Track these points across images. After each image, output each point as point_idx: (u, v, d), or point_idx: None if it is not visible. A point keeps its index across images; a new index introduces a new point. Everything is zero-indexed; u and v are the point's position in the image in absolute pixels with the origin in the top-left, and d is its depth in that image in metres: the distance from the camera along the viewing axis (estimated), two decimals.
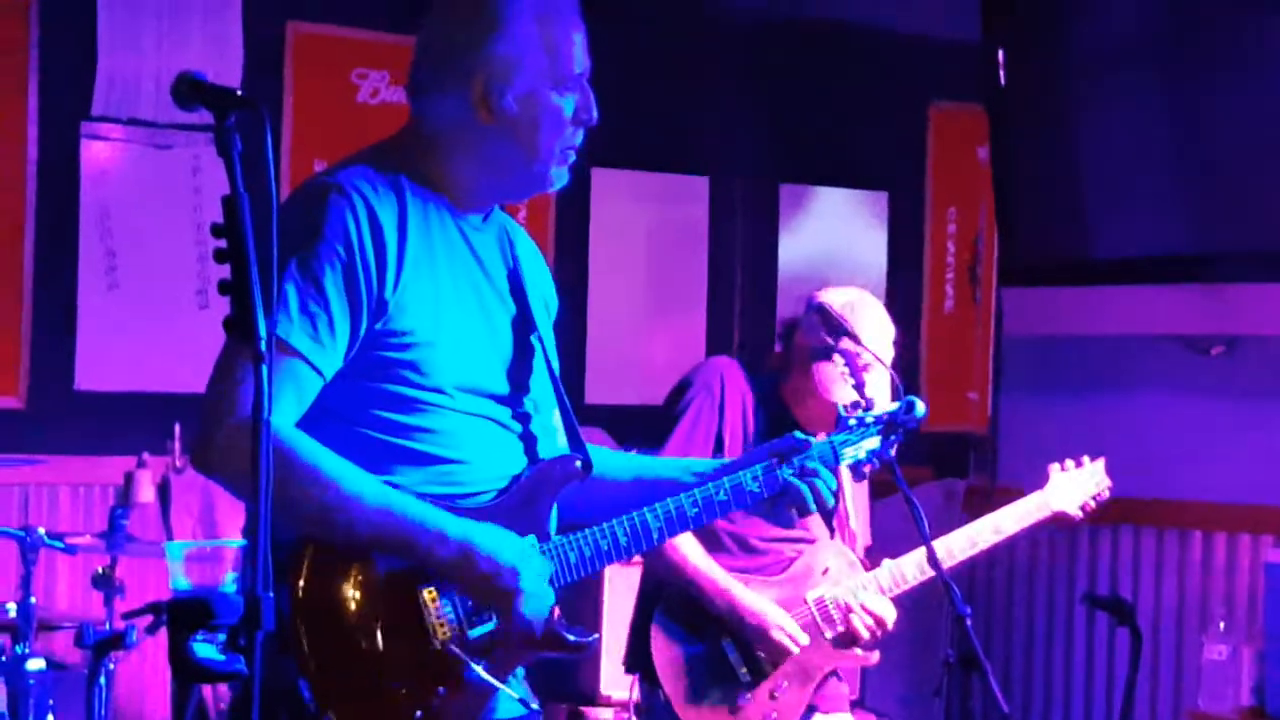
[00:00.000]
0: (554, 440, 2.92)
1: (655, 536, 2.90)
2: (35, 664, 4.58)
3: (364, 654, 2.64)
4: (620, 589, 5.55)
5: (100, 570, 4.72)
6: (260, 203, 2.45)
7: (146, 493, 5.31)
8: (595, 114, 2.85)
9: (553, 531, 2.84)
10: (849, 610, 4.18)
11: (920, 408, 3.36)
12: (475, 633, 2.71)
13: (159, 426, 5.46)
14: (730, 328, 6.68)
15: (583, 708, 5.60)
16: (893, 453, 3.34)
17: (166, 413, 5.50)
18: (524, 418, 2.86)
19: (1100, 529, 6.04)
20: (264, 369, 2.36)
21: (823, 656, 4.19)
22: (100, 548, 4.69)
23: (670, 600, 4.15)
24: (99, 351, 5.52)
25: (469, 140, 2.80)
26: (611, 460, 3.04)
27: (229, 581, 2.63)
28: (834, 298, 4.23)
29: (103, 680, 4.36)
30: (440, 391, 2.72)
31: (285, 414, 2.61)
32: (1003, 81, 6.11)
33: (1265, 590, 5.20)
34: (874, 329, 4.19)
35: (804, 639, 4.11)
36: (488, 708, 2.78)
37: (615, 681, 5.53)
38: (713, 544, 4.18)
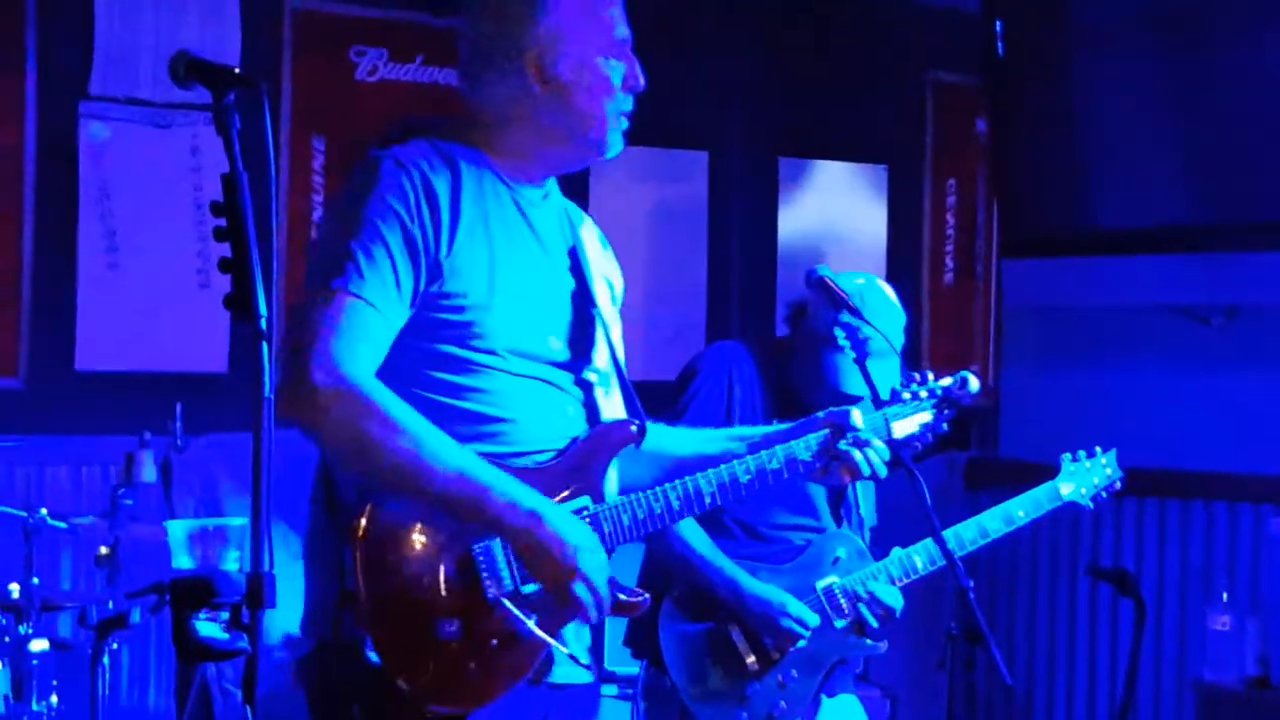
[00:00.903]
0: (614, 410, 3.00)
1: (708, 500, 3.00)
2: (39, 644, 4.59)
3: (422, 608, 2.70)
4: (622, 570, 5.55)
5: (103, 550, 4.72)
6: (259, 181, 2.47)
7: (148, 472, 5.30)
8: (642, 80, 2.95)
9: (608, 494, 2.91)
10: (858, 599, 4.17)
11: (974, 383, 3.38)
12: (527, 589, 2.78)
13: (160, 406, 5.45)
14: (730, 301, 6.67)
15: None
16: (945, 427, 3.35)
17: (168, 392, 5.50)
18: (585, 385, 2.94)
19: (1103, 500, 6.04)
20: (264, 347, 2.39)
21: (831, 645, 4.19)
22: (102, 528, 4.70)
23: (679, 587, 4.15)
24: (99, 331, 5.51)
25: (527, 113, 2.88)
26: (670, 435, 3.12)
27: (231, 560, 2.62)
28: (844, 282, 4.21)
29: (106, 660, 4.37)
30: (492, 353, 2.80)
31: (363, 364, 2.71)
32: (1002, 53, 6.10)
33: (1268, 560, 5.21)
34: (884, 314, 4.17)
35: (814, 623, 4.10)
36: (544, 668, 2.82)
37: (618, 657, 5.53)
38: (720, 531, 4.17)
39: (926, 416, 3.33)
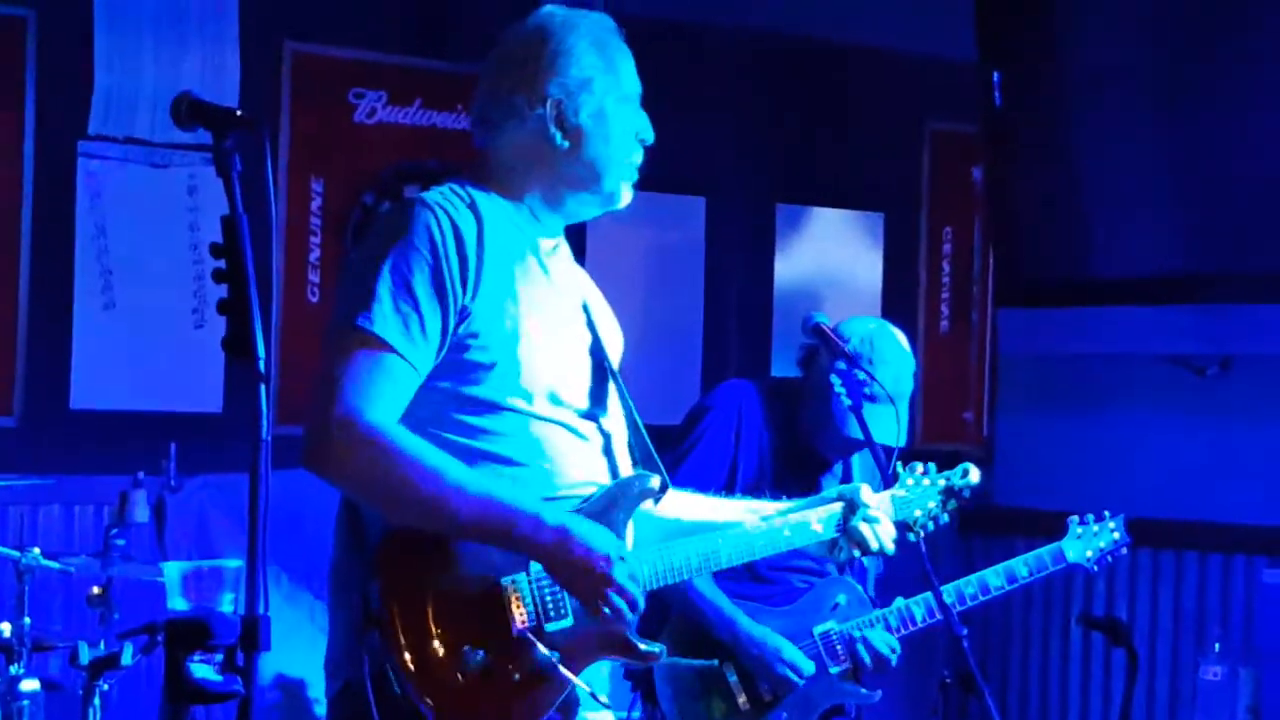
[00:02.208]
0: (629, 461, 3.04)
1: (724, 563, 3.08)
2: (30, 684, 4.56)
3: (448, 640, 2.72)
4: None
5: (95, 590, 4.70)
6: (258, 222, 2.48)
7: (142, 512, 5.29)
8: (652, 133, 3.05)
9: (629, 545, 2.93)
10: (854, 647, 4.17)
11: (975, 474, 3.44)
12: (552, 627, 2.80)
13: (155, 446, 5.45)
14: (726, 348, 6.68)
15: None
16: (947, 518, 3.42)
17: (162, 432, 5.49)
18: (605, 435, 2.98)
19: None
20: (262, 389, 2.40)
21: (825, 691, 4.18)
22: (95, 567, 4.68)
23: (675, 623, 4.14)
24: (95, 370, 5.51)
25: (547, 161, 2.95)
26: (679, 500, 3.15)
27: (226, 602, 2.62)
28: (855, 326, 4.22)
29: (97, 701, 4.35)
30: (518, 396, 2.84)
31: (385, 410, 2.74)
32: (999, 103, 6.12)
33: (1260, 610, 5.20)
34: (892, 360, 4.18)
35: (808, 670, 4.10)
36: (568, 708, 2.84)
37: (615, 699, 5.52)
38: (723, 571, 4.17)
39: (931, 505, 3.38)
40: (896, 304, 6.91)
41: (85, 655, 4.41)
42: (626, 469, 3.01)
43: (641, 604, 2.84)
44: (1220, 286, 5.71)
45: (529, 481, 2.83)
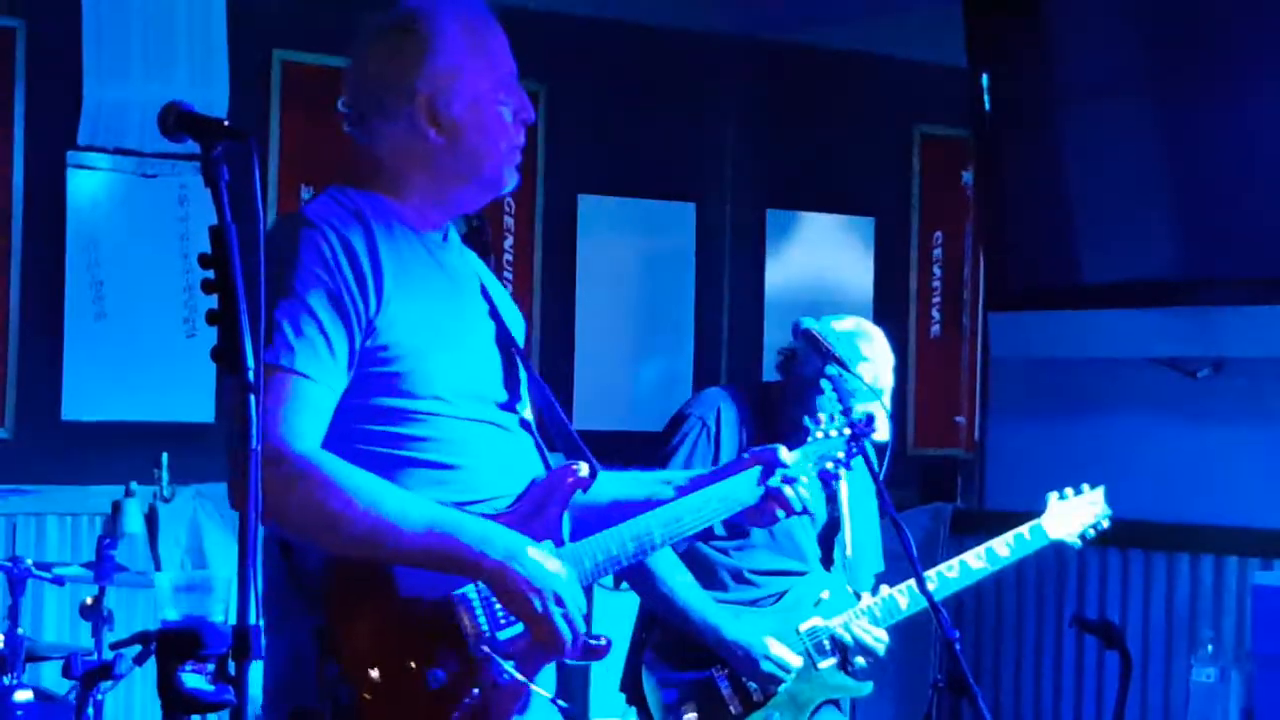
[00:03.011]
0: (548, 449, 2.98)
1: (658, 542, 2.98)
2: (23, 695, 4.56)
3: (402, 662, 2.67)
4: (609, 612, 5.55)
5: (88, 600, 4.70)
6: (247, 233, 2.47)
7: (134, 522, 5.30)
8: (532, 112, 2.91)
9: (566, 538, 2.88)
10: (841, 640, 4.18)
11: (880, 421, 3.40)
12: (504, 635, 2.75)
13: (147, 456, 5.45)
14: (718, 353, 6.69)
15: None
16: (850, 466, 3.38)
17: (154, 442, 5.50)
18: (527, 426, 2.91)
19: (1089, 551, 6.04)
20: (252, 399, 2.38)
21: (815, 687, 4.19)
22: (88, 578, 4.68)
23: (662, 633, 4.15)
24: (86, 381, 5.51)
25: (423, 157, 2.84)
26: (601, 485, 3.04)
27: (218, 611, 2.61)
28: (834, 326, 4.23)
29: (90, 711, 4.35)
30: (438, 399, 2.77)
31: (311, 439, 2.66)
32: (989, 107, 6.13)
33: (1253, 613, 5.21)
34: (874, 357, 4.19)
35: (796, 664, 4.11)
36: (523, 710, 2.80)
37: (604, 706, 5.53)
38: (709, 579, 4.18)
39: (839, 453, 3.34)
40: (888, 308, 6.92)
41: (78, 666, 4.41)
42: (549, 458, 2.95)
43: (582, 627, 2.77)
44: (1211, 290, 5.71)
45: (459, 484, 2.77)
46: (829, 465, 3.31)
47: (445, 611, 2.72)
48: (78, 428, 5.51)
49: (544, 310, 6.31)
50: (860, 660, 4.18)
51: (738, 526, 4.19)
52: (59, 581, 4.69)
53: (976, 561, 4.33)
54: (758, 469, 3.12)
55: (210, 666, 2.43)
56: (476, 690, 2.73)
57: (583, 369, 6.37)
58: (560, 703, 2.87)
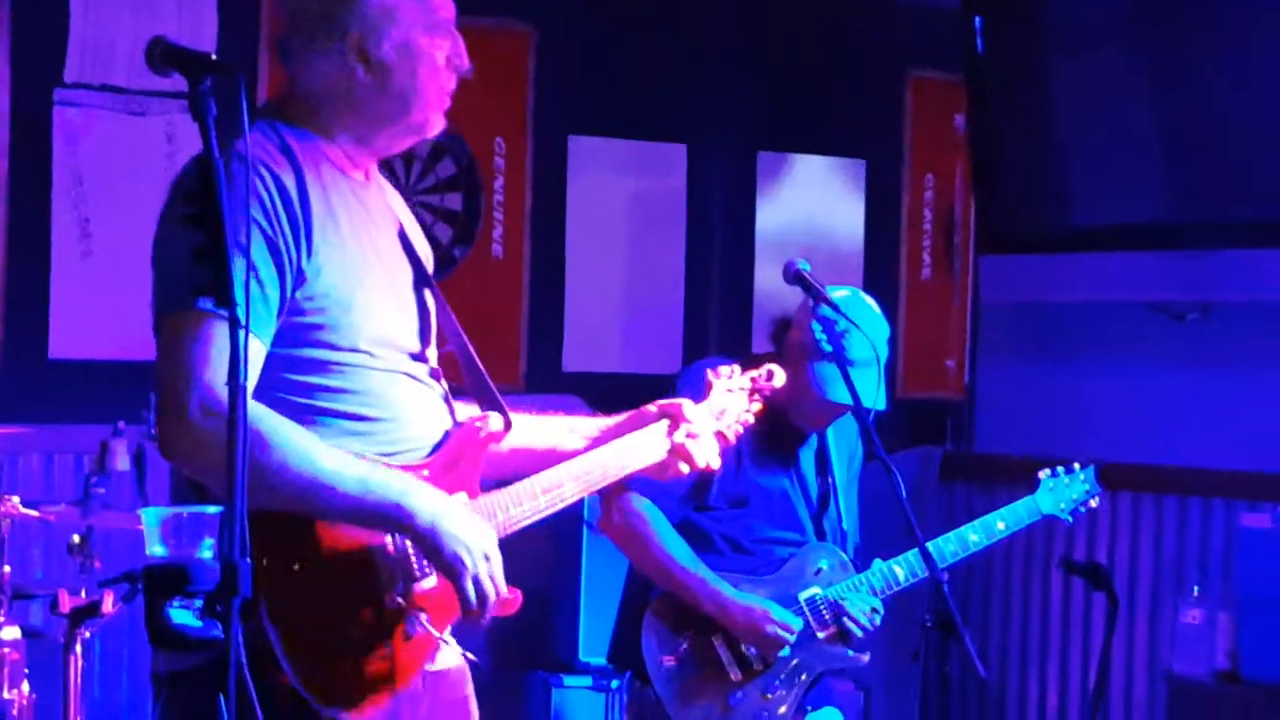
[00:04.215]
0: (469, 402, 2.99)
1: (569, 496, 2.98)
2: (10, 632, 4.57)
3: (319, 611, 2.68)
4: (599, 561, 5.56)
5: (75, 539, 4.70)
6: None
7: (122, 461, 5.28)
8: (466, 59, 2.88)
9: (479, 489, 2.90)
10: (840, 610, 4.18)
11: (780, 376, 3.40)
12: (420, 587, 2.78)
13: (134, 394, 5.41)
14: (708, 295, 6.67)
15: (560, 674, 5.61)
16: (751, 418, 3.37)
17: (142, 380, 5.42)
18: (436, 375, 2.92)
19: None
20: (240, 335, 2.37)
21: (813, 656, 4.19)
22: (75, 516, 4.68)
23: (660, 600, 4.15)
24: (73, 320, 5.49)
25: (350, 95, 2.82)
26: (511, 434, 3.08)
27: (206, 548, 2.60)
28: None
29: (78, 649, 4.35)
30: (360, 351, 2.76)
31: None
32: (981, 49, 6.11)
33: (1239, 555, 5.22)
34: (867, 326, 4.18)
35: (797, 627, 4.11)
36: (432, 660, 2.83)
37: (594, 648, 5.54)
38: (705, 546, 4.18)
39: (739, 407, 3.33)
40: (878, 251, 6.91)
41: (66, 603, 4.41)
42: (461, 408, 2.96)
43: (504, 586, 2.80)
44: (1201, 233, 5.71)
45: (377, 436, 2.77)
46: (730, 421, 3.30)
47: (362, 563, 2.72)
48: (65, 366, 5.49)
49: (534, 252, 6.29)
50: (858, 631, 4.19)
51: (734, 494, 4.20)
52: (46, 520, 4.69)
53: (973, 535, 4.37)
54: (665, 422, 3.13)
55: (198, 603, 2.42)
56: (391, 640, 2.74)
57: (573, 311, 6.36)
58: (468, 655, 2.91)
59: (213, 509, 2.60)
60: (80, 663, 4.27)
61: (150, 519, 2.61)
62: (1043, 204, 6.11)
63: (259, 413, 2.60)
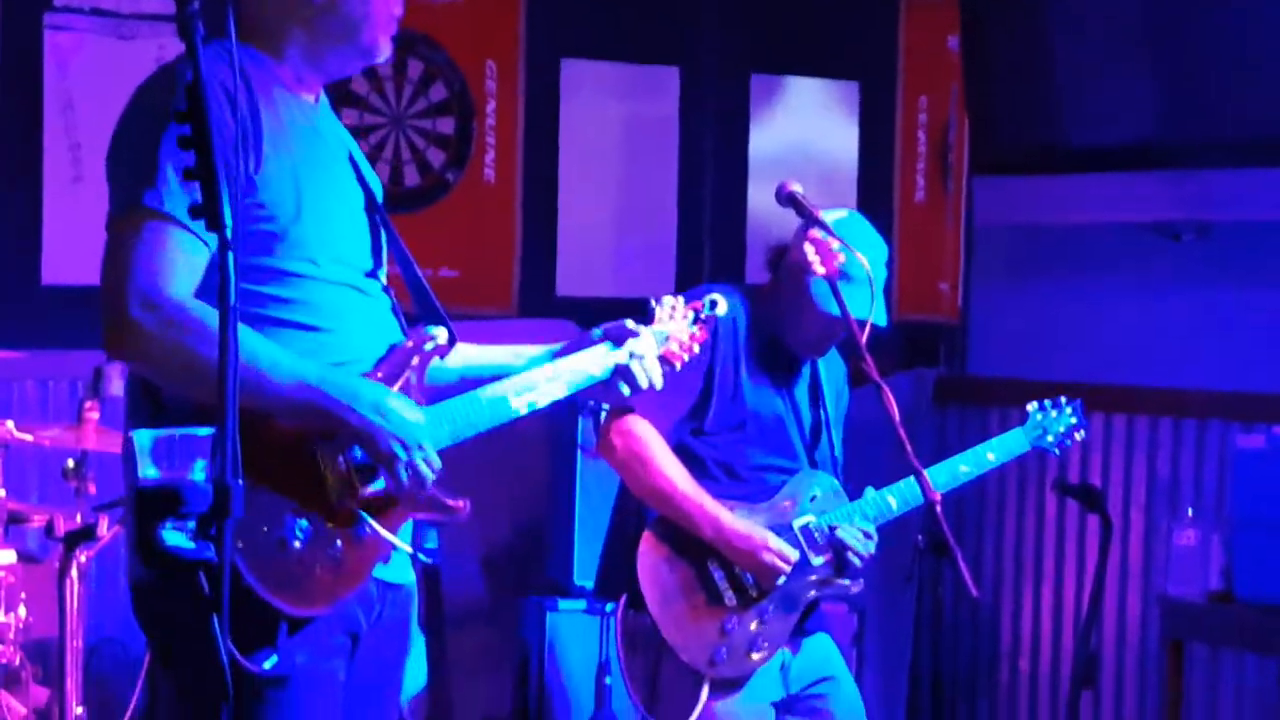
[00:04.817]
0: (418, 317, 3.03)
1: (513, 408, 3.02)
2: (6, 556, 4.58)
3: (267, 514, 2.70)
4: (593, 486, 5.57)
5: (70, 463, 4.71)
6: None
7: (116, 386, 5.27)
8: None
9: (420, 403, 2.91)
10: (835, 538, 4.18)
11: (723, 306, 3.41)
12: (368, 490, 2.81)
13: None
14: (701, 219, 6.65)
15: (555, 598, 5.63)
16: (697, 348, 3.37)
17: None
18: (388, 291, 2.98)
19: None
20: (230, 256, 2.37)
21: (808, 584, 4.20)
22: (70, 441, 4.68)
23: (656, 526, 4.15)
24: (65, 245, 5.48)
25: (303, 16, 2.87)
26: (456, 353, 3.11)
27: (199, 470, 2.60)
28: (824, 217, 4.20)
29: (74, 573, 4.37)
30: (309, 261, 2.81)
31: (185, 287, 2.69)
32: None
33: (1234, 476, 5.23)
34: (864, 247, 4.17)
35: (794, 556, 4.11)
36: (385, 561, 2.86)
37: (587, 572, 5.55)
38: (699, 471, 4.17)
39: (681, 332, 3.33)
40: (872, 173, 6.89)
41: (61, 527, 4.43)
42: (408, 325, 3.01)
43: (436, 469, 2.83)
44: (1197, 153, 5.69)
45: (324, 347, 2.82)
46: (674, 346, 3.31)
47: (309, 464, 2.76)
48: (58, 292, 5.48)
49: (526, 176, 6.26)
50: (854, 559, 4.20)
51: (731, 420, 4.20)
52: (41, 444, 4.70)
53: (964, 466, 4.39)
54: (608, 344, 3.17)
55: (191, 524, 2.42)
56: (340, 543, 2.77)
57: (565, 235, 6.34)
58: (420, 556, 2.94)
59: (204, 431, 2.60)
60: (75, 586, 4.29)
61: (142, 441, 2.61)
62: (1037, 125, 6.09)
63: (196, 310, 2.67)
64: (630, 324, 3.22)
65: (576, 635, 5.59)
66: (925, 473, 4.10)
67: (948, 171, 7.00)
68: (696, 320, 3.38)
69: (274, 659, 2.70)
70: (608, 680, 5.51)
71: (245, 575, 2.67)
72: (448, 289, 5.97)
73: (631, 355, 3.18)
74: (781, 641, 4.17)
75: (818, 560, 4.19)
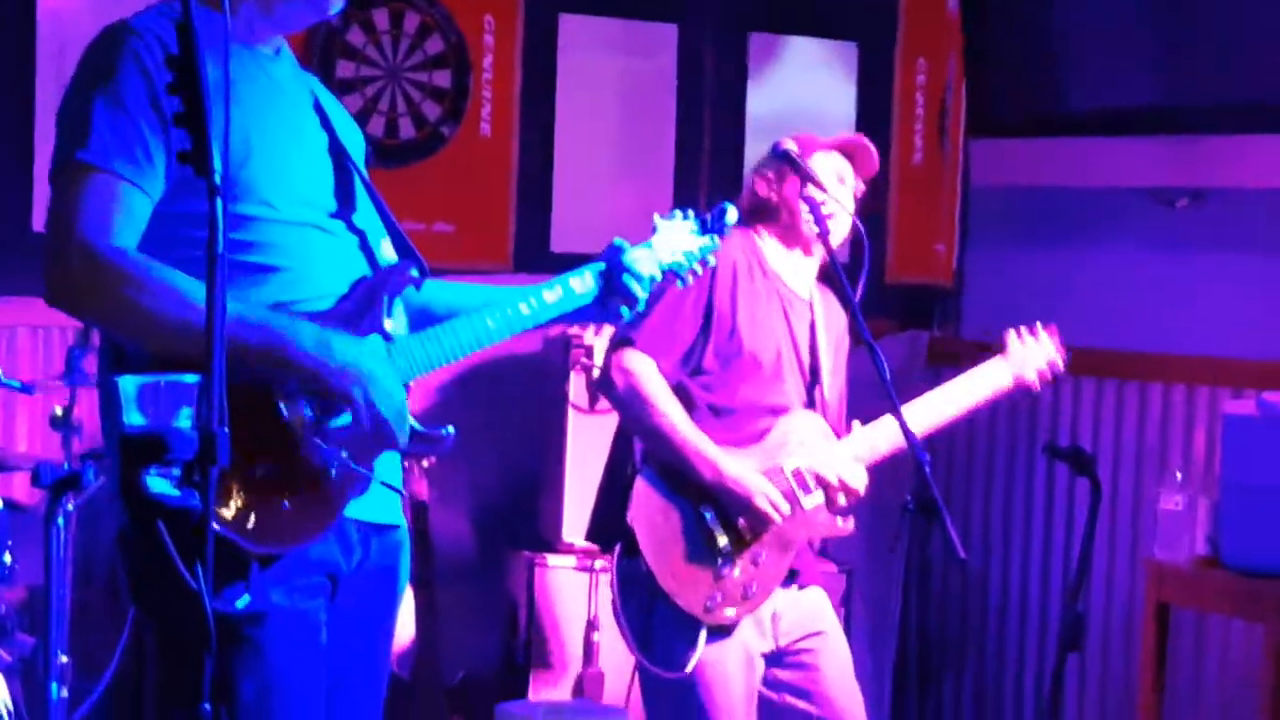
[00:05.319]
0: (391, 256, 3.05)
1: (496, 336, 3.02)
2: None
3: (234, 458, 2.65)
4: (584, 441, 5.57)
5: (58, 411, 4.71)
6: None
7: None
8: None
9: (395, 334, 2.93)
10: (824, 479, 4.19)
11: (732, 214, 3.40)
12: (334, 424, 2.81)
13: None
14: (698, 177, 6.64)
15: (544, 555, 5.63)
16: (711, 260, 3.35)
17: None
18: (359, 232, 2.97)
19: (1062, 380, 6.05)
20: (219, 202, 2.38)
21: (800, 525, 4.20)
22: (58, 388, 4.68)
23: (649, 473, 4.15)
24: None
25: None
26: (436, 287, 3.13)
27: (185, 417, 2.60)
28: (790, 146, 4.23)
29: (60, 521, 4.36)
30: (262, 204, 2.82)
31: (125, 237, 2.71)
32: None
33: (1222, 442, 5.23)
34: (827, 171, 4.22)
35: (786, 507, 4.12)
36: (360, 493, 2.86)
37: (576, 528, 5.56)
38: (694, 413, 4.18)
39: (688, 243, 3.34)
40: (869, 135, 6.77)
41: (47, 476, 4.41)
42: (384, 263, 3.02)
43: (406, 415, 2.83)
44: (1193, 118, 5.68)
45: (279, 284, 2.82)
46: (678, 260, 3.31)
47: (269, 403, 2.76)
48: None
49: (523, 131, 6.25)
50: (843, 498, 4.20)
51: (728, 358, 4.21)
52: (29, 391, 4.69)
53: (947, 406, 4.37)
54: (600, 265, 3.18)
55: (176, 472, 2.42)
56: (307, 477, 2.77)
57: (561, 190, 6.33)
58: (395, 487, 2.94)
59: (191, 378, 2.60)
60: (62, 534, 4.28)
61: (127, 387, 2.61)
62: (1035, 88, 6.08)
63: (133, 260, 2.69)
64: (623, 243, 3.22)
65: (565, 590, 5.60)
66: (909, 405, 4.13)
67: (945, 134, 6.99)
68: (705, 230, 3.36)
69: (246, 597, 2.70)
70: (596, 636, 5.53)
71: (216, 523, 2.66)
72: (443, 244, 5.97)
73: (625, 270, 3.17)
74: (776, 584, 4.18)
75: (810, 502, 4.19)
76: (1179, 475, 5.38)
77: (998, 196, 6.53)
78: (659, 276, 3.27)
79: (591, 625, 5.53)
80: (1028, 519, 6.24)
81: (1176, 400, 5.82)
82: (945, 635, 6.45)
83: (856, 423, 4.27)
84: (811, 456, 4.21)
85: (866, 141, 4.42)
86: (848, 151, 4.40)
